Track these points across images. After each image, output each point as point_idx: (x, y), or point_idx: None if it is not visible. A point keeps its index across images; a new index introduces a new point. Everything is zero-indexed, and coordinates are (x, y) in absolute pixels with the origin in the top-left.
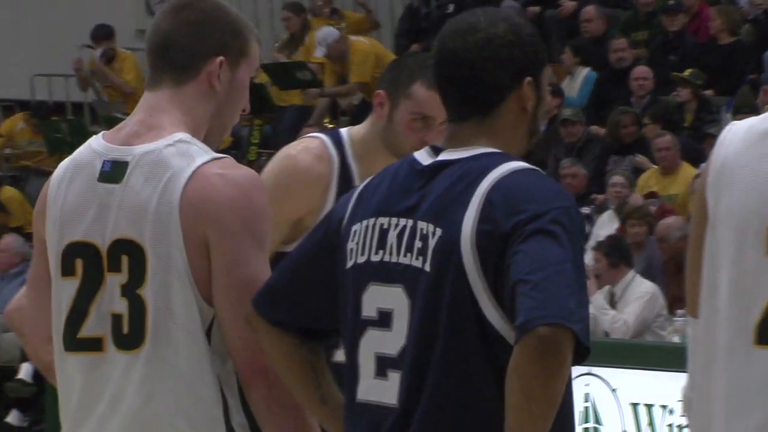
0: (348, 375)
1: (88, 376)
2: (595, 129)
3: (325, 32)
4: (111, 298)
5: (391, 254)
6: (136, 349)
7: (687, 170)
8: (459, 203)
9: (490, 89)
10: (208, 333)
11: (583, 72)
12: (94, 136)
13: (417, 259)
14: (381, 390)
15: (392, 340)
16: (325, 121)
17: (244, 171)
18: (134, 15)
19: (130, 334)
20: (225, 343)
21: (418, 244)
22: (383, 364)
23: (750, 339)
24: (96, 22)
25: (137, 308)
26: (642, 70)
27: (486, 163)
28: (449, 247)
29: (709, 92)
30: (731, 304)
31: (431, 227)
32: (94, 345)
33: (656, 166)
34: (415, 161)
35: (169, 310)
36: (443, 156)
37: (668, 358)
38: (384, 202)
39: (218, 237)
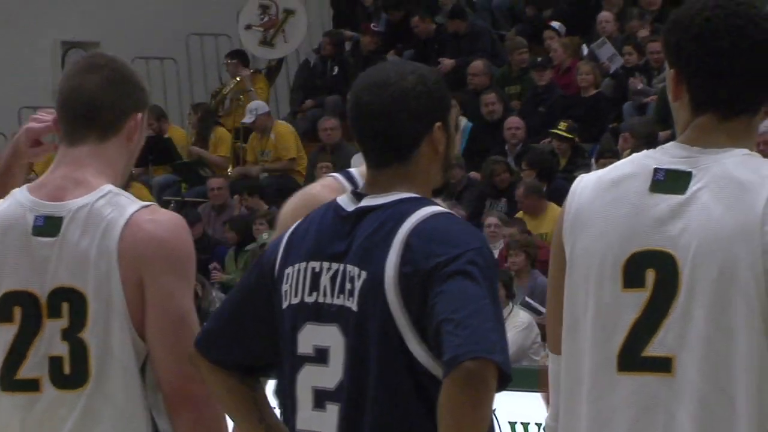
0: (288, 407)
1: (27, 415)
2: (473, 174)
3: (257, 104)
4: (50, 343)
5: (325, 296)
6: (80, 388)
7: (554, 210)
8: (381, 247)
9: (405, 138)
10: (143, 367)
11: (461, 123)
12: (18, 189)
13: (348, 299)
14: (320, 421)
15: (329, 375)
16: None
17: (170, 215)
18: (52, 73)
19: (73, 375)
20: (157, 373)
21: (348, 286)
22: (321, 397)
23: (613, 367)
24: (15, 79)
25: (79, 350)
26: (514, 121)
27: (404, 209)
28: (374, 288)
29: (575, 139)
30: (594, 336)
31: (357, 270)
32: (31, 386)
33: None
34: (339, 207)
35: (109, 350)
36: (365, 202)
37: (542, 381)
38: (314, 247)
39: (152, 277)
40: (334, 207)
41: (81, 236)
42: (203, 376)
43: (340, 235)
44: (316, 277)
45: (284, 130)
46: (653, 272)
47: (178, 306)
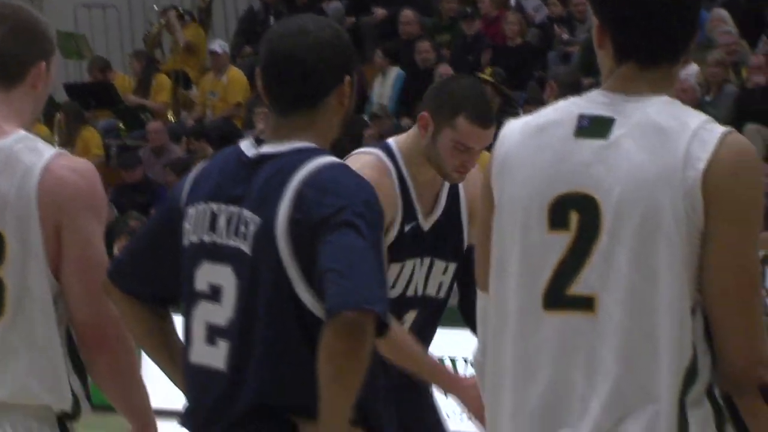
0: (185, 339)
1: None
2: (405, 121)
3: (219, 42)
4: None
5: (221, 236)
6: None
7: (485, 156)
8: (275, 195)
9: (318, 87)
10: (54, 303)
11: (394, 72)
12: None
13: (243, 242)
14: (210, 355)
15: (221, 313)
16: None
17: (84, 162)
18: None
19: None
20: (71, 314)
21: (242, 229)
22: (213, 333)
23: (538, 305)
24: None
25: None
26: (445, 69)
27: (301, 158)
28: (266, 234)
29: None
30: (520, 276)
31: (252, 215)
32: None
33: None
34: (242, 152)
35: (26, 287)
36: (266, 149)
37: None
38: (215, 189)
39: (71, 220)
40: (237, 151)
41: None
42: (115, 305)
43: (239, 180)
44: (214, 217)
45: (237, 76)
46: (577, 214)
47: (95, 249)
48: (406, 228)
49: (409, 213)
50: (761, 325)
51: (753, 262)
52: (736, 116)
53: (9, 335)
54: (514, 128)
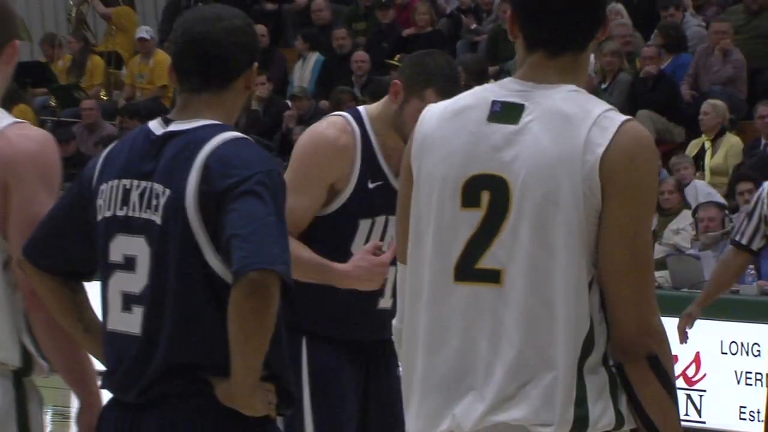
0: (102, 309)
1: None
2: (323, 103)
3: (146, 29)
4: None
5: (134, 210)
6: None
7: None
8: (183, 168)
9: (231, 69)
10: (5, 265)
11: (314, 56)
12: None
13: (154, 214)
14: (126, 321)
15: (136, 281)
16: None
17: (39, 131)
18: None
19: None
20: (15, 274)
21: (154, 201)
22: (128, 301)
23: (450, 277)
24: None
25: None
26: (361, 55)
27: (206, 134)
28: (176, 204)
29: None
30: (434, 249)
31: (163, 188)
32: None
33: None
34: (150, 131)
35: None
36: (173, 127)
37: None
38: (126, 166)
39: (16, 182)
40: (145, 130)
41: None
42: (30, 280)
43: (148, 157)
44: (126, 193)
45: (164, 59)
46: (488, 194)
47: (38, 211)
48: (371, 185)
49: (374, 171)
50: (652, 299)
51: (646, 242)
52: (629, 103)
53: None
54: (434, 111)
